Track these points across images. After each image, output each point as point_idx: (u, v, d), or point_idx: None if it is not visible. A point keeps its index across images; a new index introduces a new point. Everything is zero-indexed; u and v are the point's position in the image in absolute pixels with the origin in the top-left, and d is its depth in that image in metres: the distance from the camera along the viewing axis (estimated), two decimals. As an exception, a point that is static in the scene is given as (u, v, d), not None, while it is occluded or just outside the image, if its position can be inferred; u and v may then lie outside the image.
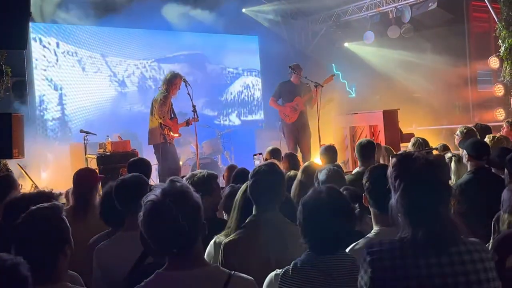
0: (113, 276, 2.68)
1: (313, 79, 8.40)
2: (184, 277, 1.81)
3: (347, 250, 2.40)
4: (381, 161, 5.32)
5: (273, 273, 2.14)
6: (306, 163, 4.51)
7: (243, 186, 2.97)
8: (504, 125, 7.13)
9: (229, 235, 2.77)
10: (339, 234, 2.09)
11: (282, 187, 2.82)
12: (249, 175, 2.83)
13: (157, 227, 1.79)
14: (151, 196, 1.82)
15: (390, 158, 1.86)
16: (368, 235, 2.52)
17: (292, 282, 2.06)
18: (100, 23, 10.61)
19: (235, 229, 2.80)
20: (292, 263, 2.10)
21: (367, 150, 4.94)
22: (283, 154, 5.88)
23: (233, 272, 1.90)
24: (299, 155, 8.58)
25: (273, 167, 2.82)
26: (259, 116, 13.43)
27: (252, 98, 13.44)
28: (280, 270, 2.11)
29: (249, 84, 13.39)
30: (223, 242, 2.69)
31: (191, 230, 1.79)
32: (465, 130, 5.65)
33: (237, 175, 4.48)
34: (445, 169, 1.80)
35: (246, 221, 2.70)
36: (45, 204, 2.12)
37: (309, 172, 4.11)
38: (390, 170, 1.81)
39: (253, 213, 2.72)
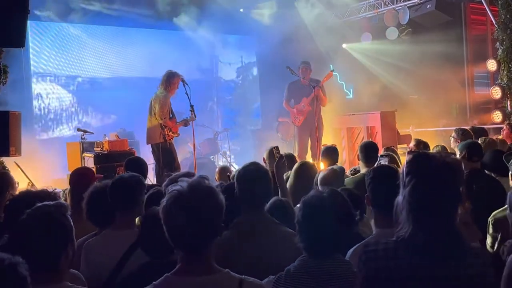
0: (99, 274, 2.66)
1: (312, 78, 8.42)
2: (194, 284, 1.79)
3: (349, 252, 2.39)
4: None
5: (266, 279, 2.10)
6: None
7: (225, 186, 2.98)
8: (505, 127, 7.13)
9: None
10: (336, 237, 2.03)
11: (268, 187, 2.79)
12: (235, 178, 2.79)
13: (177, 217, 1.77)
14: (177, 187, 1.80)
15: (406, 154, 1.84)
16: (368, 238, 2.48)
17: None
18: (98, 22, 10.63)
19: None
20: (285, 269, 2.06)
21: (371, 151, 4.91)
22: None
23: (243, 276, 1.87)
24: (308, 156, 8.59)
25: (258, 168, 2.80)
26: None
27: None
28: (274, 276, 2.08)
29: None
30: None
31: (209, 229, 1.78)
32: (460, 132, 5.66)
33: None
34: (461, 174, 1.72)
35: (233, 222, 2.66)
36: (51, 202, 2.11)
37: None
38: (404, 165, 1.77)
39: (241, 213, 2.69)
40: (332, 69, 8.92)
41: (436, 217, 1.66)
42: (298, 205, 2.22)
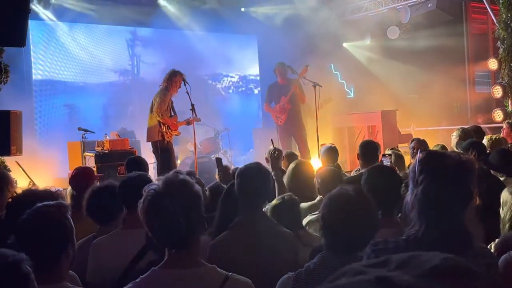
0: (107, 273, 2.64)
1: (312, 79, 8.39)
2: (179, 276, 1.81)
3: None
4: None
5: (285, 276, 2.09)
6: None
7: (228, 186, 2.96)
8: (504, 126, 7.12)
9: (213, 235, 2.73)
10: (360, 235, 2.01)
11: (268, 187, 2.79)
12: (236, 174, 2.78)
13: (156, 216, 1.78)
14: (153, 186, 1.81)
15: (419, 152, 1.79)
16: None
17: (305, 284, 2.01)
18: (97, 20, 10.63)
19: (216, 227, 2.77)
20: (305, 265, 2.06)
21: (370, 150, 4.87)
22: (283, 154, 5.83)
23: (230, 273, 1.87)
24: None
25: (260, 167, 2.81)
26: None
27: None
28: (293, 272, 2.07)
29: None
30: (209, 244, 2.63)
31: (190, 221, 1.78)
32: (461, 131, 5.66)
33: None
34: (475, 174, 1.70)
35: (233, 222, 2.66)
36: (51, 202, 2.10)
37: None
38: (415, 164, 1.73)
39: (240, 213, 2.68)
40: (307, 64, 8.76)
41: (449, 216, 1.66)
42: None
